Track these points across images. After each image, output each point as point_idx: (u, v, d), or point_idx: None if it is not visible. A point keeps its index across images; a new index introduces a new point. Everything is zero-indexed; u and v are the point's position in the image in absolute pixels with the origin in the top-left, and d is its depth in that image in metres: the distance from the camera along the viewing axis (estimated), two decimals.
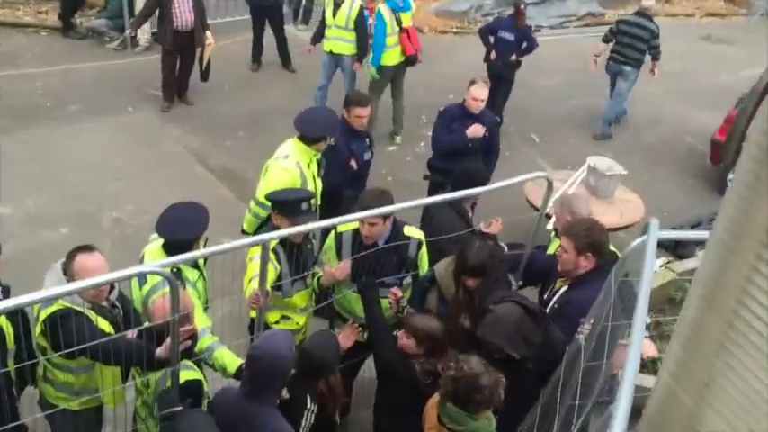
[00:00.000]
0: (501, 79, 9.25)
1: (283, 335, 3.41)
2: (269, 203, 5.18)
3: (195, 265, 4.12)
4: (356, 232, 4.41)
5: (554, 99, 11.05)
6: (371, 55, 8.69)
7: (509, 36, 9.18)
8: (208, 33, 9.16)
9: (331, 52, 8.99)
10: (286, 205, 4.36)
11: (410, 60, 8.88)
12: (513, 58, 9.23)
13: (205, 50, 9.18)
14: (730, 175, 8.59)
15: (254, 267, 3.98)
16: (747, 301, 1.95)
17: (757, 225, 1.88)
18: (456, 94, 10.72)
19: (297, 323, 4.65)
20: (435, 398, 3.52)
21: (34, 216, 7.01)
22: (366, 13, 8.83)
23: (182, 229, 3.98)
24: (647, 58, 9.66)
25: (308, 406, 3.62)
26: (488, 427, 3.35)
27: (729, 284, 2.00)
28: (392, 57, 8.70)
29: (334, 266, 4.47)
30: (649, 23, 9.47)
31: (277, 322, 4.56)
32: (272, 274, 4.17)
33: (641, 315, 2.66)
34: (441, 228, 4.79)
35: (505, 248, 4.75)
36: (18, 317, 3.62)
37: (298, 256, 4.38)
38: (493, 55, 9.30)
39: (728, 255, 2.00)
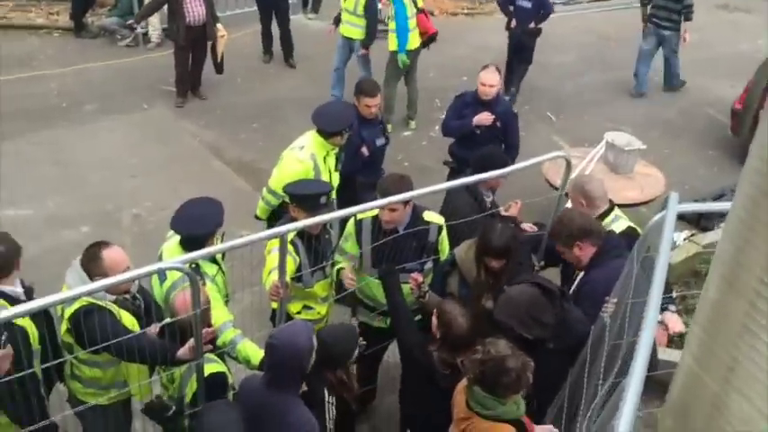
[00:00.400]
0: (522, 47, 9.51)
1: (303, 325, 3.40)
2: (280, 192, 5.21)
3: (213, 259, 4.12)
4: (376, 219, 4.39)
5: (568, 76, 10.93)
6: (398, 42, 8.48)
7: (526, 3, 9.32)
8: (219, 26, 9.15)
9: (344, 36, 8.95)
10: (305, 199, 4.34)
11: (432, 39, 8.81)
12: (532, 25, 9.35)
13: (218, 43, 9.16)
14: (752, 146, 8.45)
15: (272, 260, 3.98)
16: None
17: None
18: (469, 76, 10.65)
19: (318, 312, 4.66)
20: (463, 383, 3.50)
21: (54, 216, 7.07)
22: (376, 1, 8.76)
23: (196, 224, 4.00)
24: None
25: (327, 399, 3.62)
26: (517, 412, 3.32)
27: (750, 263, 1.93)
28: (414, 40, 8.63)
29: (354, 252, 4.45)
30: None
31: (299, 312, 4.56)
32: (291, 266, 4.17)
33: (657, 289, 2.60)
34: (455, 212, 4.77)
35: (530, 228, 4.71)
36: (42, 317, 3.64)
37: (316, 246, 4.37)
38: (513, 23, 9.45)
39: (748, 233, 1.93)
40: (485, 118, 6.13)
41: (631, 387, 2.13)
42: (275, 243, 3.80)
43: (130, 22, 10.51)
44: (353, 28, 8.86)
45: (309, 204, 4.28)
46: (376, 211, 4.38)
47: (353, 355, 3.72)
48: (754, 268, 1.92)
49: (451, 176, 6.11)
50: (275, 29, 10.64)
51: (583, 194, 4.51)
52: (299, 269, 4.32)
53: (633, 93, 10.43)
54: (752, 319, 1.97)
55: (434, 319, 3.82)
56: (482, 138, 6.14)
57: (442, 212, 4.82)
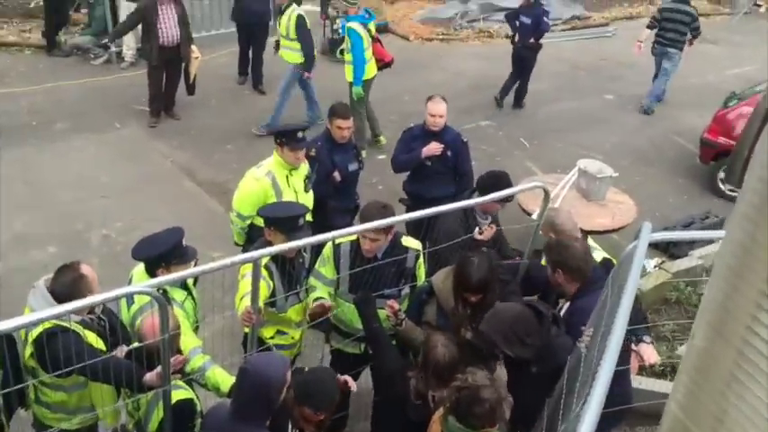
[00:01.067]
0: (522, 61, 10.43)
1: (279, 357, 3.34)
2: (244, 212, 5.17)
3: (183, 285, 4.06)
4: (354, 244, 4.36)
5: (541, 103, 11.06)
6: (354, 75, 8.56)
7: (527, 20, 10.19)
8: (193, 47, 9.12)
9: (286, 60, 9.10)
10: (281, 222, 4.26)
11: (387, 65, 8.97)
12: (532, 40, 10.21)
13: (192, 64, 9.13)
14: (721, 174, 8.61)
15: (245, 285, 3.92)
16: (758, 327, 1.84)
17: (765, 248, 1.79)
18: None
19: (292, 338, 4.59)
20: (439, 412, 3.46)
21: (22, 236, 6.93)
22: (305, 21, 8.86)
23: (147, 247, 3.94)
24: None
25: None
26: None
27: (738, 311, 1.89)
28: (371, 69, 8.72)
29: (330, 277, 4.42)
30: (689, 8, 10.59)
31: (272, 337, 4.49)
32: (264, 291, 4.11)
33: (622, 318, 2.58)
34: (446, 235, 4.75)
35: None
36: (3, 340, 3.54)
37: (290, 271, 4.31)
38: (516, 38, 10.39)
39: (736, 280, 1.90)
40: (433, 148, 6.01)
41: (586, 418, 2.09)
42: (249, 267, 3.75)
43: (104, 41, 10.46)
44: (291, 52, 8.96)
45: (286, 227, 4.21)
46: (354, 237, 4.34)
47: (331, 406, 3.48)
48: (742, 316, 1.89)
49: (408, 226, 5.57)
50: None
51: (552, 228, 4.51)
52: (272, 294, 4.27)
53: (646, 108, 11.06)
54: (740, 368, 1.93)
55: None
56: (433, 170, 6.06)
57: (426, 237, 4.77)
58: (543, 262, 4.60)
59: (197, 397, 3.71)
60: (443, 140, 6.08)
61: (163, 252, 3.85)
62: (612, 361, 2.37)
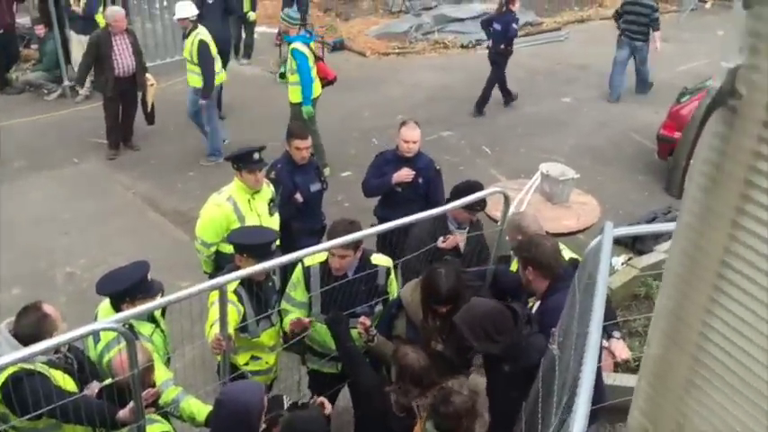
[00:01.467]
0: (494, 64, 10.90)
1: (254, 383, 3.31)
2: (208, 240, 5.11)
3: (151, 318, 4.00)
4: (324, 264, 4.33)
5: (501, 110, 11.18)
6: (303, 95, 8.46)
7: (497, 26, 10.63)
8: (148, 75, 9.06)
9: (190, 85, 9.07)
10: (255, 249, 4.20)
11: (331, 83, 8.93)
12: (502, 46, 10.66)
13: (148, 92, 9.06)
14: None
15: (214, 312, 3.88)
16: (710, 333, 1.86)
17: (710, 256, 1.80)
18: (405, 114, 10.79)
19: (266, 362, 4.55)
20: (421, 421, 3.46)
21: None
22: (208, 47, 8.78)
23: (111, 283, 3.89)
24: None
25: None
26: None
27: (690, 318, 1.90)
28: (317, 88, 8.69)
29: (301, 299, 4.39)
30: (649, 1, 11.26)
31: (246, 364, 4.44)
32: (235, 317, 4.07)
33: (597, 319, 2.61)
34: (414, 242, 4.79)
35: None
36: None
37: (260, 294, 4.28)
38: (490, 43, 10.87)
39: (686, 288, 1.92)
40: (404, 174, 5.80)
41: (576, 423, 2.10)
42: (217, 294, 3.71)
43: (68, 83, 10.44)
44: (193, 76, 8.91)
45: (258, 253, 4.15)
46: (324, 257, 4.32)
47: None
48: (694, 323, 1.90)
49: (379, 240, 5.44)
50: None
51: (519, 231, 4.54)
52: (243, 319, 4.23)
53: (610, 99, 11.61)
54: (697, 373, 1.94)
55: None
56: (403, 197, 5.85)
57: (396, 251, 4.78)
58: (514, 266, 4.64)
59: (174, 430, 3.65)
60: (416, 167, 5.88)
61: (128, 287, 3.79)
62: (594, 363, 2.38)
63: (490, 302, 3.74)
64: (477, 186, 5.02)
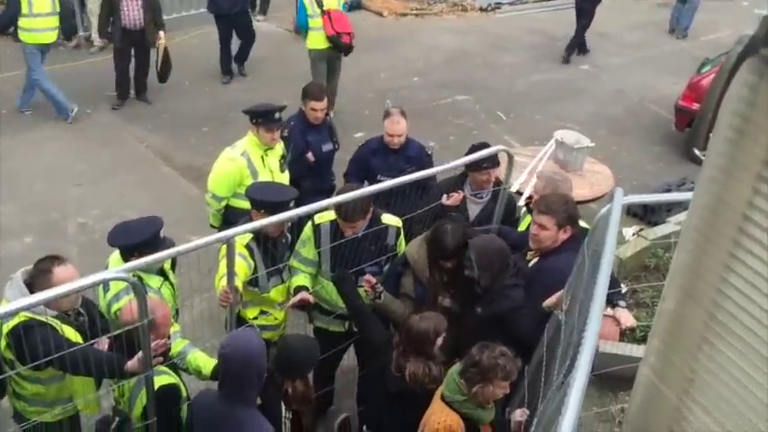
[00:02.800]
0: (580, 12, 11.33)
1: (250, 331, 3.34)
2: (219, 193, 5.11)
3: (159, 271, 4.02)
4: (334, 222, 4.34)
5: (517, 75, 11.05)
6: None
7: None
8: (161, 33, 8.95)
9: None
10: (276, 206, 4.12)
11: (334, 42, 8.75)
12: None
13: (158, 51, 8.98)
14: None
15: (224, 265, 3.90)
16: (727, 289, 1.85)
17: (733, 209, 1.78)
18: (420, 77, 10.74)
19: (275, 318, 4.57)
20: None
21: None
22: None
23: (124, 235, 3.88)
24: None
25: (284, 414, 3.55)
26: (474, 413, 3.33)
27: (708, 273, 1.89)
28: (319, 39, 8.69)
29: (311, 257, 4.41)
30: None
31: (255, 318, 4.48)
32: (245, 270, 4.09)
33: (603, 283, 2.60)
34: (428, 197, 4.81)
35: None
36: None
37: (272, 250, 4.28)
38: None
39: (705, 242, 1.90)
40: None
41: (576, 382, 2.09)
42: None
43: (94, 36, 10.39)
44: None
45: (277, 211, 4.07)
46: (333, 215, 4.32)
47: (313, 364, 3.64)
48: (711, 278, 1.89)
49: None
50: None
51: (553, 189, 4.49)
52: (254, 273, 4.24)
53: (679, 36, 12.63)
54: (710, 329, 1.93)
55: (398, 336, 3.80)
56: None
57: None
58: (524, 225, 4.63)
59: (182, 382, 3.70)
60: (405, 155, 5.44)
61: (138, 242, 3.79)
62: (597, 326, 2.38)
63: (504, 243, 3.92)
64: (484, 146, 4.92)
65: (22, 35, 8.54)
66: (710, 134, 1.82)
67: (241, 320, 4.31)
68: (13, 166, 7.86)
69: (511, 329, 3.74)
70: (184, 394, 3.64)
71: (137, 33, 8.82)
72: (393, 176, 4.78)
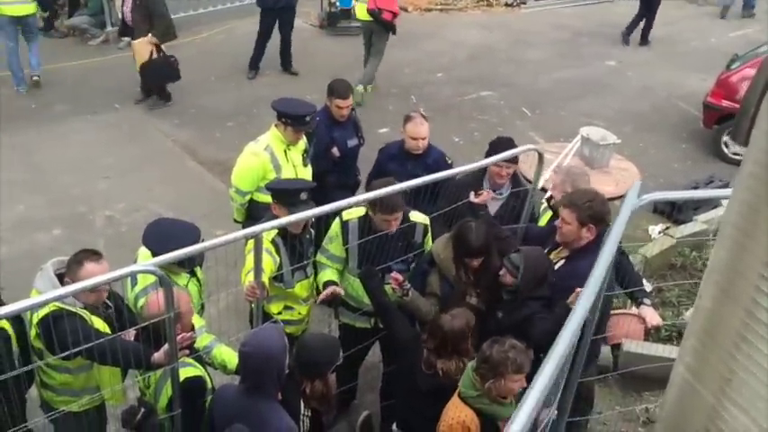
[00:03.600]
0: (647, 4, 11.65)
1: (272, 328, 3.35)
2: (243, 188, 5.15)
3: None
4: (362, 219, 4.35)
5: (542, 71, 10.97)
6: None
7: None
8: (145, 38, 8.67)
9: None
10: (283, 195, 4.26)
11: (373, 16, 9.08)
12: None
13: (135, 53, 8.92)
14: (725, 138, 8.56)
15: (251, 260, 3.93)
16: (766, 287, 1.82)
17: None
18: (444, 72, 10.71)
19: (299, 313, 4.60)
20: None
21: (26, 219, 6.93)
22: None
23: (159, 240, 3.79)
24: None
25: (303, 411, 3.56)
26: (489, 408, 3.33)
27: (746, 270, 1.86)
28: (362, 11, 9.14)
29: (338, 254, 4.43)
30: None
31: (279, 313, 4.51)
32: (270, 266, 4.12)
33: (604, 263, 2.55)
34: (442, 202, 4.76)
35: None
36: (15, 323, 3.57)
37: (297, 246, 4.31)
38: None
39: (744, 239, 1.86)
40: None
41: (554, 355, 2.06)
42: (253, 242, 3.76)
43: (110, 29, 10.56)
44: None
45: (288, 200, 4.20)
46: (362, 212, 4.34)
47: (333, 364, 3.59)
48: (750, 275, 1.86)
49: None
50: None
51: (573, 187, 4.45)
52: (279, 269, 4.27)
53: (745, 15, 13.20)
54: (749, 328, 1.90)
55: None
56: (413, 192, 4.77)
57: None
58: (543, 221, 4.61)
59: (208, 374, 3.73)
60: (425, 162, 5.25)
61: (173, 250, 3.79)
62: (592, 295, 2.34)
63: (550, 262, 3.99)
64: (504, 141, 4.93)
65: None
66: (752, 129, 1.79)
67: (266, 316, 4.34)
68: (41, 159, 7.98)
69: (527, 334, 3.74)
70: (210, 386, 3.67)
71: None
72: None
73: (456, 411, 3.34)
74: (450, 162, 5.37)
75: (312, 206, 4.31)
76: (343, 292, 4.35)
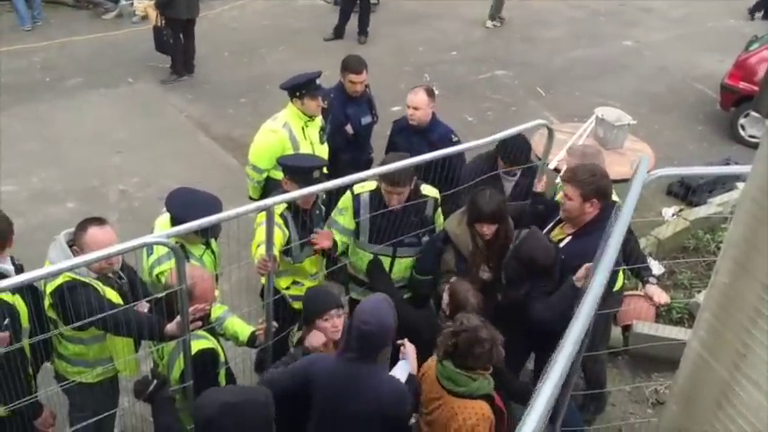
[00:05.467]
0: None
1: (383, 300, 3.31)
2: (261, 165, 5.15)
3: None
4: (374, 192, 4.35)
5: (557, 51, 10.87)
6: None
7: None
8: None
9: None
10: (298, 172, 4.25)
11: None
12: None
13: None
14: (741, 120, 8.47)
15: (261, 233, 3.94)
16: None
17: None
18: (458, 51, 10.62)
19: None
20: (430, 361, 3.48)
21: (40, 192, 6.98)
22: None
23: (184, 207, 3.84)
24: None
25: None
26: (488, 387, 3.29)
27: (764, 245, 1.85)
28: None
29: (348, 226, 4.41)
30: None
31: (287, 288, 4.52)
32: (280, 239, 4.12)
33: (615, 242, 2.52)
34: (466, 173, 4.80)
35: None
36: (29, 294, 3.59)
37: (306, 221, 4.31)
38: None
39: (762, 213, 1.85)
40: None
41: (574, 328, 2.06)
42: (264, 216, 3.77)
43: (136, 5, 10.52)
44: None
45: (302, 178, 4.20)
46: (373, 186, 4.34)
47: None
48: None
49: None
50: None
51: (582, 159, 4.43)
52: (288, 243, 4.28)
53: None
54: (765, 303, 1.89)
55: (446, 297, 3.82)
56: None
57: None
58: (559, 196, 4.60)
59: (221, 346, 3.75)
60: (428, 139, 5.22)
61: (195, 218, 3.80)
62: (603, 278, 2.33)
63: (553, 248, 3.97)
64: (522, 142, 4.83)
65: None
66: None
67: (275, 290, 4.35)
68: (55, 132, 8.01)
69: (527, 311, 3.83)
70: (222, 359, 3.70)
71: None
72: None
73: (469, 411, 3.22)
74: (455, 140, 5.32)
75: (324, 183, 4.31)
76: (331, 242, 4.30)
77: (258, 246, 4.00)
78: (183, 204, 3.89)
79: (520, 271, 3.97)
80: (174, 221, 3.83)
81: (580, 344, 3.13)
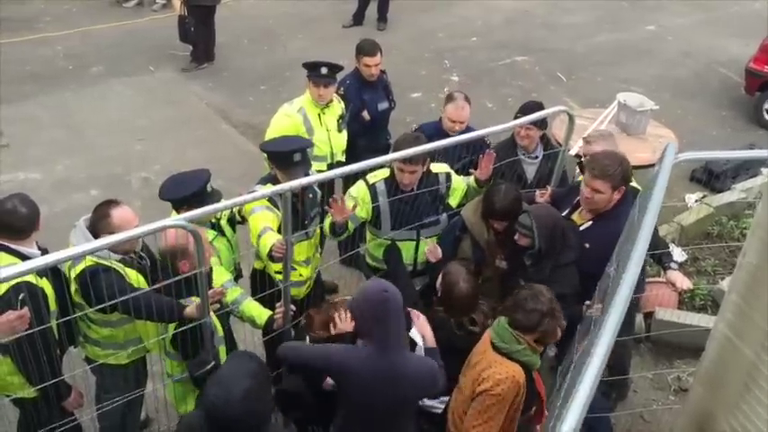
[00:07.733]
0: None
1: (391, 287, 3.32)
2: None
3: (212, 225, 4.07)
4: (389, 180, 4.33)
5: (579, 36, 10.77)
6: None
7: None
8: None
9: None
10: (277, 157, 4.17)
11: None
12: None
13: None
14: (766, 105, 8.35)
15: (257, 221, 3.98)
16: None
17: None
18: (479, 37, 10.56)
19: (300, 274, 4.41)
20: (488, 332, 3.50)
21: (63, 180, 7.07)
22: None
23: (174, 188, 3.92)
24: None
25: None
26: (530, 358, 3.27)
27: None
28: None
29: (364, 217, 4.39)
30: None
31: (279, 272, 4.24)
32: (275, 223, 4.04)
33: (646, 233, 2.49)
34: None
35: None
36: (57, 279, 3.63)
37: (298, 206, 4.14)
38: None
39: None
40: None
41: (609, 318, 2.05)
42: (253, 204, 3.83)
43: None
44: None
45: (282, 162, 4.12)
46: (387, 173, 4.33)
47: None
48: None
49: None
50: None
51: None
52: (279, 228, 4.20)
53: None
54: None
55: (440, 278, 3.81)
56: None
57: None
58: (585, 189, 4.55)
59: (222, 324, 3.81)
60: (462, 145, 4.82)
61: (186, 195, 3.83)
62: (637, 268, 2.31)
63: (557, 215, 4.01)
64: (531, 104, 4.92)
65: None
66: None
67: (267, 276, 4.36)
68: (78, 120, 8.08)
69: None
70: (220, 333, 3.73)
71: None
72: (448, 162, 4.63)
73: (502, 367, 3.24)
74: (488, 143, 5.10)
75: (308, 167, 4.26)
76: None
77: (259, 235, 3.98)
78: (174, 185, 3.94)
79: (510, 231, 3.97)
80: (174, 205, 3.89)
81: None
